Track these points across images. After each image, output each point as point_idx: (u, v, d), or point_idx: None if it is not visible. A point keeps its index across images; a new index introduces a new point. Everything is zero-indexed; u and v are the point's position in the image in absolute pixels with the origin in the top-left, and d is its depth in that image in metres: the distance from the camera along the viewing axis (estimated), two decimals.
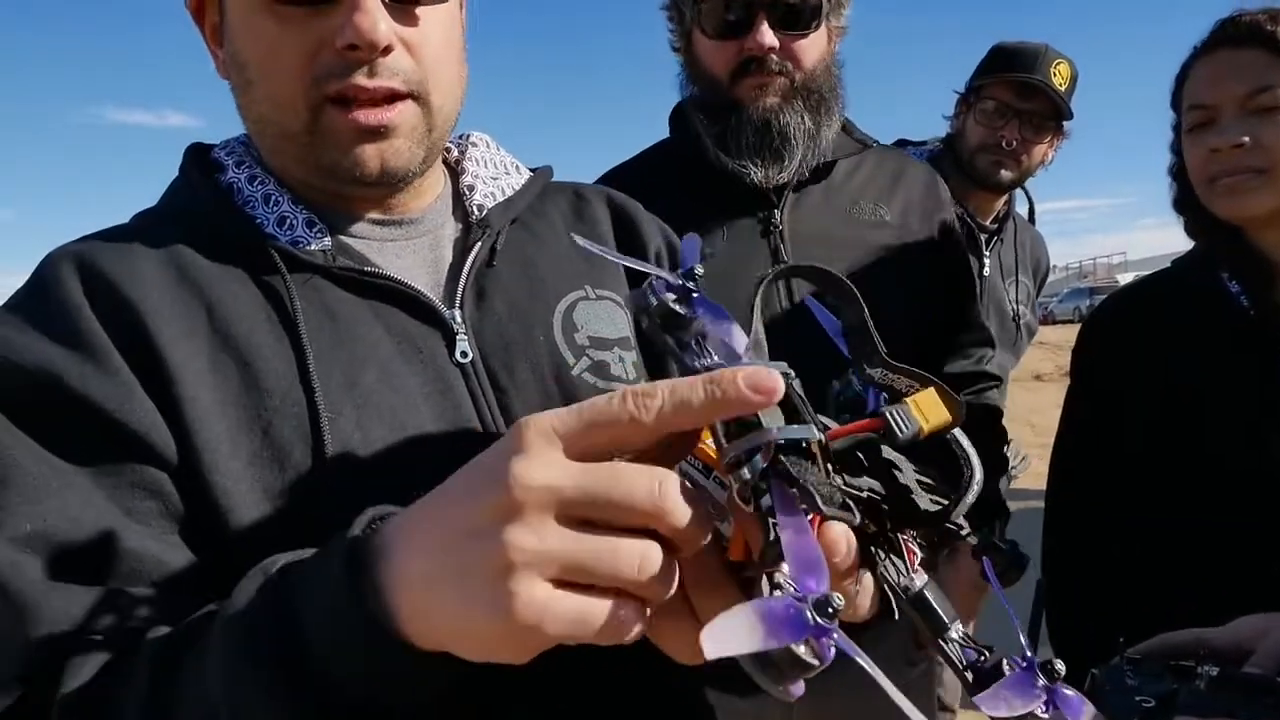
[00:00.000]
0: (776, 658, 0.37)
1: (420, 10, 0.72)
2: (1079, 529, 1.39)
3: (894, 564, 0.48)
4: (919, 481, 0.48)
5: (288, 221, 0.73)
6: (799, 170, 1.45)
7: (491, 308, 0.77)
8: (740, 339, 0.47)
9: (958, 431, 0.48)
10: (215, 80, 0.77)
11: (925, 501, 0.47)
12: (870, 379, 0.51)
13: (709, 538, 0.45)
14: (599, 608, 0.42)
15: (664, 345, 0.49)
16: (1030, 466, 2.49)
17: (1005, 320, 2.24)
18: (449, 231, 0.82)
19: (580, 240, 0.56)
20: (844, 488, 0.44)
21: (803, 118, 1.43)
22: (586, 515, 0.42)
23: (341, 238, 0.76)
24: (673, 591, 0.44)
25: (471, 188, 0.84)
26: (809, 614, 0.36)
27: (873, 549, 0.48)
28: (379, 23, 0.67)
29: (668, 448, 0.46)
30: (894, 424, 0.46)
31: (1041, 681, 0.43)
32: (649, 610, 0.44)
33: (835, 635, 0.37)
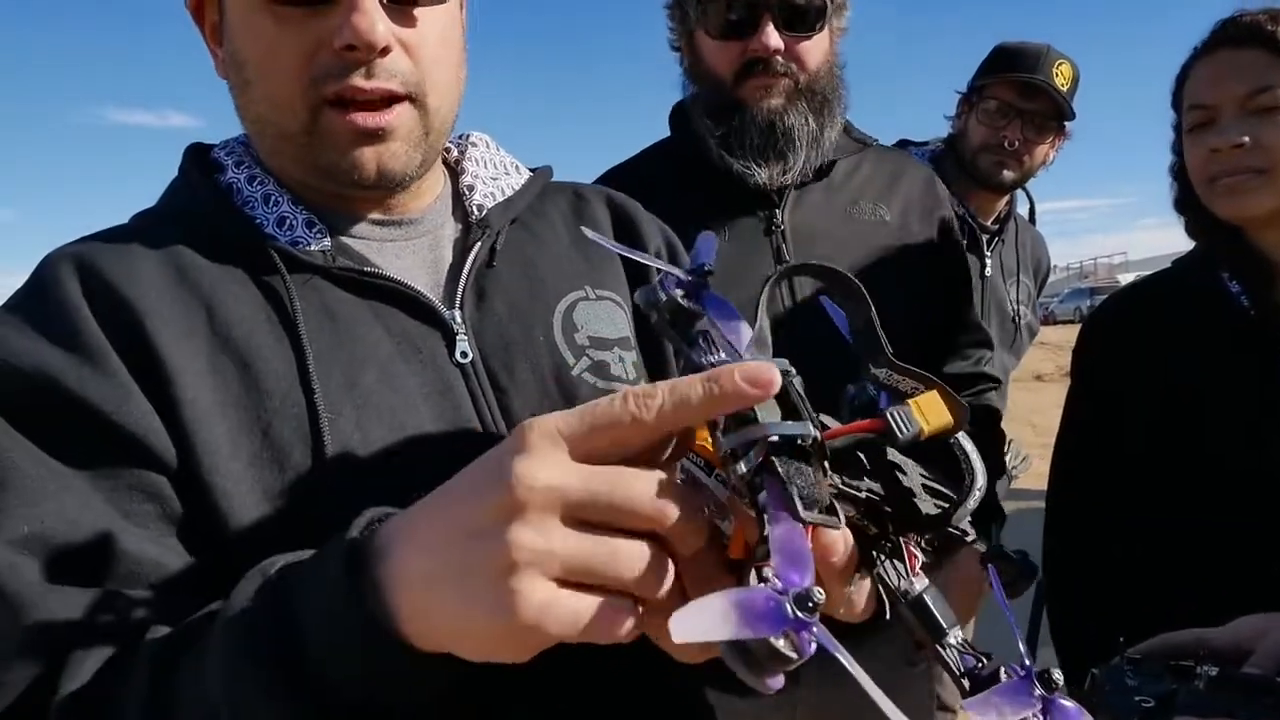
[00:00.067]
0: (753, 649, 0.37)
1: (419, 11, 0.72)
2: (1080, 529, 1.39)
3: (894, 567, 0.48)
4: (924, 485, 0.48)
5: (287, 222, 0.73)
6: (803, 171, 1.45)
7: (491, 308, 0.77)
8: (745, 336, 0.47)
9: (961, 435, 0.48)
10: (216, 80, 0.76)
11: (928, 505, 0.47)
12: (875, 379, 0.51)
13: (706, 538, 0.45)
14: (599, 607, 0.43)
15: (672, 340, 0.49)
16: (1031, 467, 2.49)
17: (1006, 320, 2.24)
18: (449, 232, 0.82)
19: (590, 233, 0.56)
20: (842, 487, 0.44)
21: (806, 119, 1.43)
22: (588, 517, 0.43)
23: (341, 238, 0.76)
24: (667, 589, 0.44)
25: (471, 188, 0.84)
26: (788, 607, 0.36)
27: (873, 551, 0.48)
28: (376, 24, 0.67)
29: (666, 446, 0.47)
30: (894, 425, 0.46)
31: (1038, 691, 0.42)
32: (643, 609, 0.44)
33: (815, 630, 0.37)
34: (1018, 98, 2.07)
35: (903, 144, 2.27)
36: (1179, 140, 1.31)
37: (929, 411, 0.46)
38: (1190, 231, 1.35)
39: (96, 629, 0.57)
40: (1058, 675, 0.43)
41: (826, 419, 0.49)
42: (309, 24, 0.68)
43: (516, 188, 0.87)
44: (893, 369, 0.50)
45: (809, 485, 0.42)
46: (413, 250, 0.79)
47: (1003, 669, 0.45)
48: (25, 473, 0.60)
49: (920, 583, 0.47)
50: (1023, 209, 2.38)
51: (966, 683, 0.45)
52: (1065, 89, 2.06)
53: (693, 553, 0.45)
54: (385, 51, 0.69)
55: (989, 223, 2.21)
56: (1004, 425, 2.20)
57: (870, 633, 0.58)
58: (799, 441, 0.42)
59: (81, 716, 0.53)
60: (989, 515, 1.71)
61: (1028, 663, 0.44)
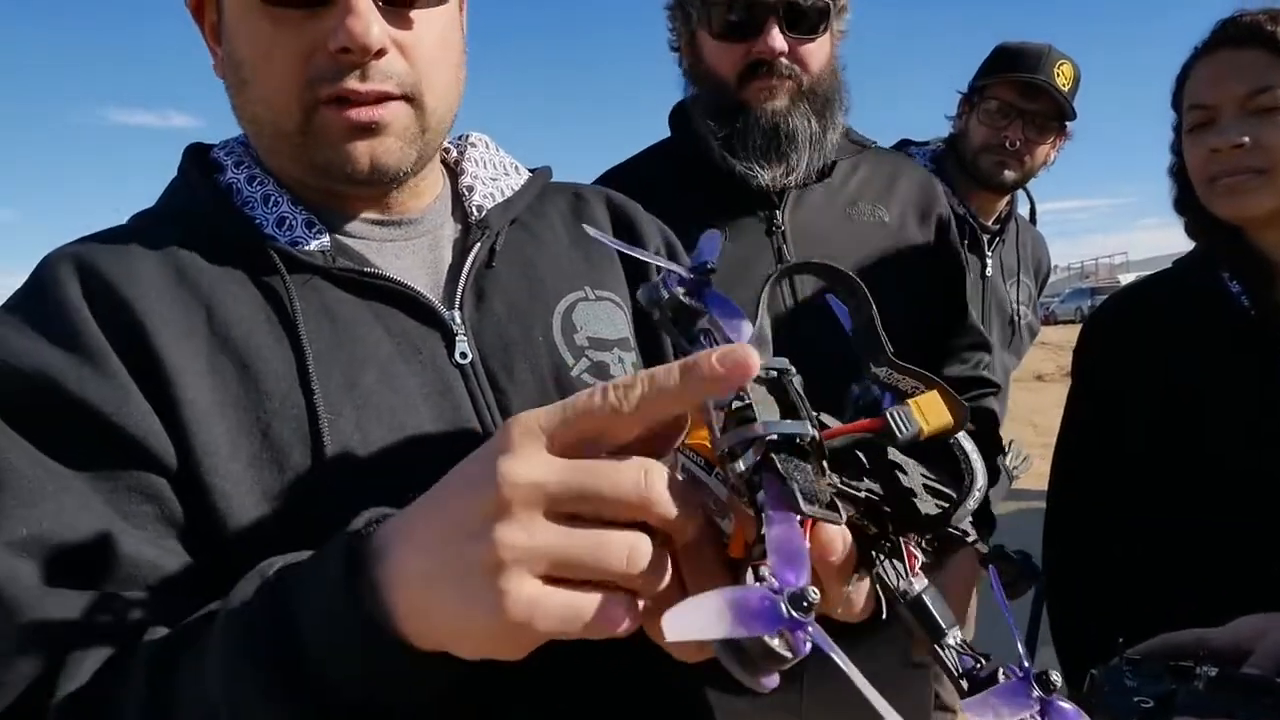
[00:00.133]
0: (748, 647, 0.37)
1: (415, 13, 0.72)
2: (1081, 529, 1.39)
3: (893, 567, 0.48)
4: (925, 485, 0.48)
5: (287, 222, 0.74)
6: (805, 173, 1.46)
7: (491, 308, 0.77)
8: (746, 333, 0.47)
9: (961, 435, 0.48)
10: (217, 80, 0.77)
11: (928, 505, 0.47)
12: (876, 378, 0.51)
13: (700, 527, 0.45)
14: (589, 602, 0.43)
15: (673, 338, 0.49)
16: (1032, 467, 2.49)
17: (1006, 321, 2.24)
18: (448, 232, 0.82)
19: (592, 231, 0.56)
20: (840, 487, 0.44)
21: (809, 120, 1.43)
22: (575, 510, 0.43)
23: (340, 238, 0.76)
24: (666, 582, 0.44)
25: (471, 188, 0.84)
26: (783, 606, 0.36)
27: (873, 551, 0.48)
28: (371, 26, 0.67)
29: (665, 439, 0.47)
30: (894, 425, 0.46)
31: (1036, 692, 0.42)
32: (641, 603, 0.44)
33: (810, 629, 0.37)
34: (1019, 98, 2.07)
35: (903, 144, 2.27)
36: (1179, 140, 1.31)
37: (929, 411, 0.46)
38: (1190, 232, 1.35)
39: (94, 630, 0.57)
40: (1056, 676, 0.42)
41: (826, 418, 0.49)
42: (305, 26, 0.68)
43: (516, 188, 0.87)
44: (893, 368, 0.50)
45: (808, 483, 0.42)
46: (412, 250, 0.79)
47: (1001, 670, 0.45)
48: (24, 474, 0.60)
49: (919, 583, 0.47)
50: (1023, 209, 2.38)
51: (965, 683, 0.45)
52: (1066, 89, 2.06)
53: (686, 541, 0.45)
54: (380, 54, 0.69)
55: (990, 223, 2.21)
56: (1005, 425, 2.19)
57: (869, 632, 0.58)
58: (798, 440, 0.42)
59: (80, 717, 0.53)
60: (982, 522, 1.71)
61: (1026, 664, 0.43)
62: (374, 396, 0.69)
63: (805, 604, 0.37)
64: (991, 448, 1.80)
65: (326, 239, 0.74)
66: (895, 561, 0.48)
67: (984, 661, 0.46)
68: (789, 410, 0.44)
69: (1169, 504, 1.26)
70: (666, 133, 1.63)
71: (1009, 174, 2.11)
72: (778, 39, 1.38)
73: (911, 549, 0.48)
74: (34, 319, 0.65)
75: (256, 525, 0.64)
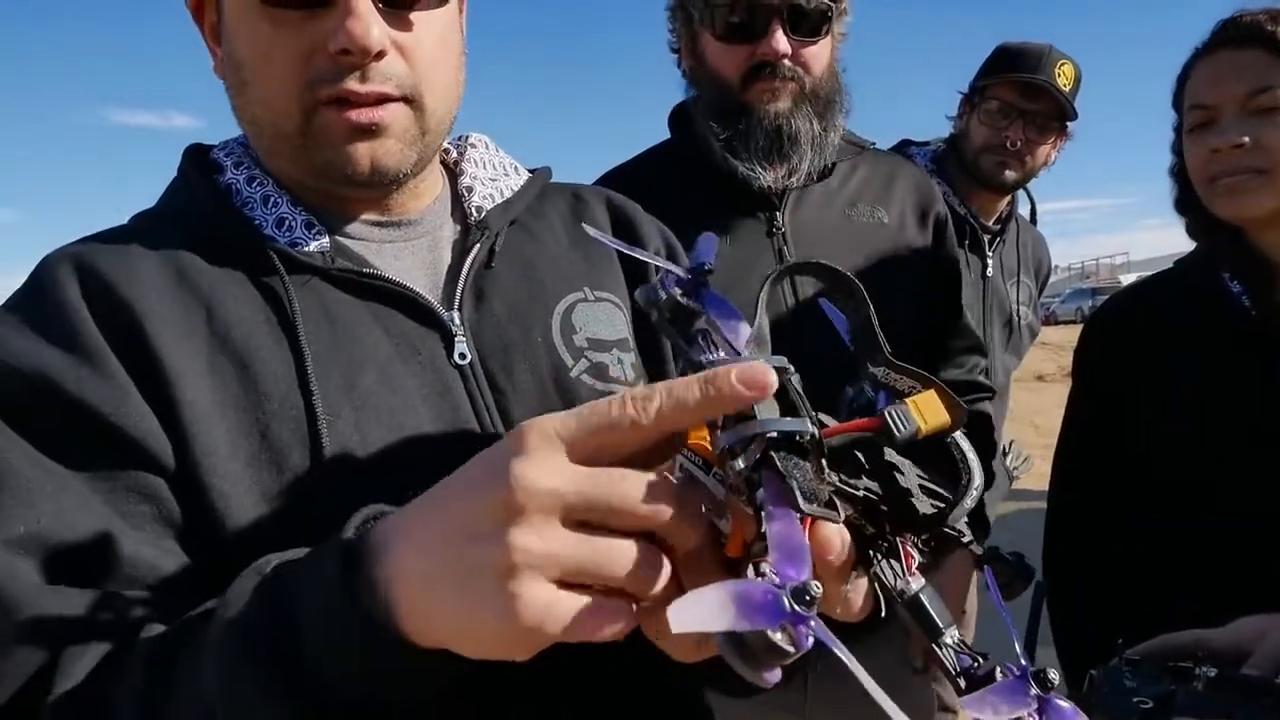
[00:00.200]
0: (750, 642, 0.37)
1: (415, 15, 0.72)
2: (1082, 529, 1.39)
3: (891, 566, 0.48)
4: (922, 485, 0.48)
5: (286, 223, 0.74)
6: (807, 174, 1.46)
7: (490, 309, 0.77)
8: (744, 334, 0.47)
9: (958, 435, 0.48)
10: (218, 81, 0.77)
11: (925, 505, 0.47)
12: (873, 378, 0.51)
13: (702, 535, 0.45)
14: (598, 608, 0.43)
15: (671, 339, 0.49)
16: (1033, 467, 2.49)
17: (1007, 321, 2.24)
18: (447, 233, 0.82)
19: (591, 230, 0.56)
20: (839, 486, 0.45)
21: (811, 122, 1.44)
22: (586, 519, 0.43)
23: (340, 239, 0.76)
24: (663, 585, 0.45)
25: (470, 189, 0.84)
26: (786, 600, 0.37)
27: (870, 551, 0.48)
28: (371, 28, 0.67)
29: (664, 445, 0.47)
30: (892, 424, 0.46)
31: (1034, 691, 0.42)
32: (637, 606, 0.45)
33: (813, 623, 0.37)
34: (1020, 98, 2.07)
35: (904, 144, 2.27)
36: (1179, 141, 1.31)
37: (926, 411, 0.46)
38: (1191, 232, 1.35)
39: (92, 628, 0.57)
40: (1054, 675, 0.42)
41: (825, 418, 0.49)
42: (305, 27, 0.68)
43: (515, 189, 0.87)
44: (890, 368, 0.50)
45: (807, 481, 0.42)
46: (411, 251, 0.79)
47: (999, 669, 0.45)
48: (22, 474, 0.60)
49: (917, 582, 0.47)
50: (1024, 209, 2.38)
51: (962, 682, 0.45)
52: (1067, 89, 2.06)
53: (687, 549, 0.46)
54: (380, 55, 0.69)
55: (990, 223, 2.21)
56: (1006, 425, 2.19)
57: (867, 632, 0.58)
58: (797, 438, 0.42)
59: (76, 714, 0.53)
60: (976, 526, 1.71)
61: (1023, 662, 0.44)
62: (373, 397, 0.69)
63: (808, 598, 0.37)
64: (987, 451, 1.80)
65: (326, 240, 0.74)
66: (892, 561, 0.48)
67: (981, 660, 0.46)
68: (789, 409, 0.44)
69: (1170, 504, 1.26)
70: (666, 133, 1.64)
71: (1010, 174, 2.11)
72: (781, 41, 1.38)
73: (908, 549, 0.48)
74: (33, 319, 0.65)
75: (255, 526, 0.64)
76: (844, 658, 0.37)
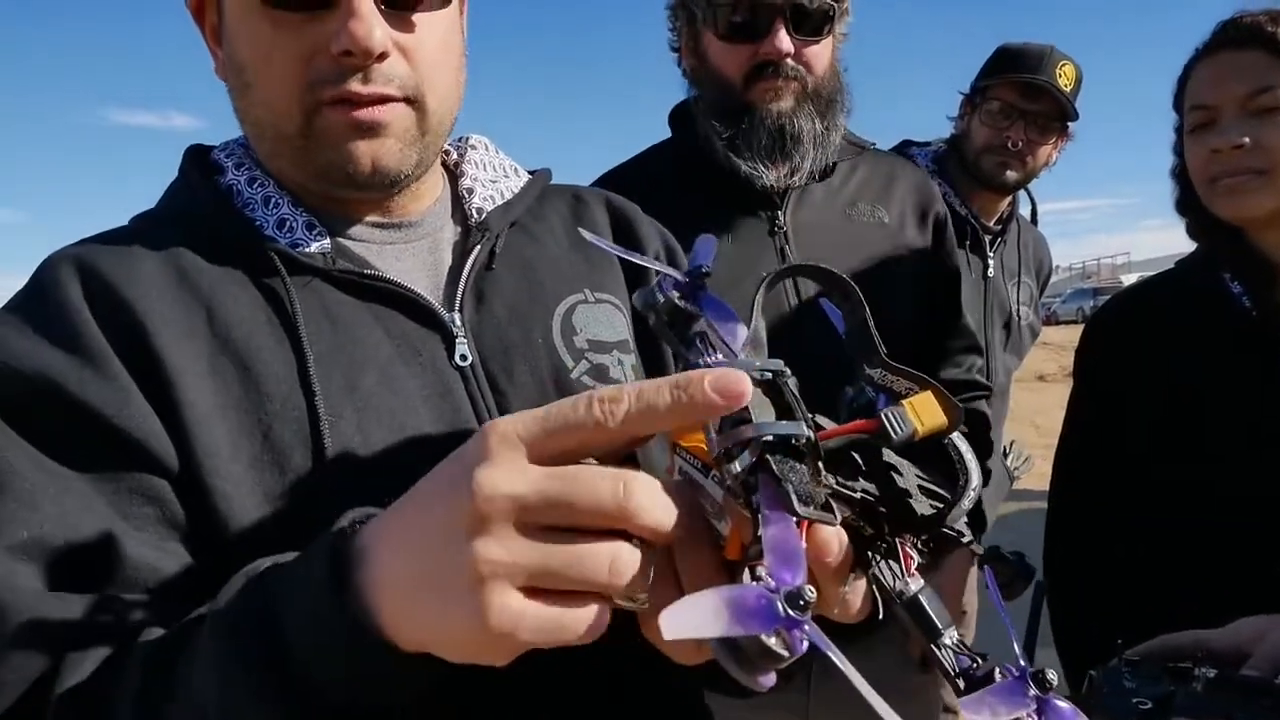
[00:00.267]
0: (745, 646, 0.37)
1: (417, 16, 0.72)
2: (1082, 529, 1.39)
3: (889, 568, 0.48)
4: (920, 486, 0.48)
5: (287, 224, 0.74)
6: (808, 174, 1.46)
7: (491, 311, 0.77)
8: (741, 336, 0.47)
9: (956, 435, 0.48)
10: (218, 81, 0.77)
11: (923, 505, 0.47)
12: (869, 379, 0.51)
13: (682, 534, 0.44)
14: (571, 613, 0.42)
15: (669, 342, 0.49)
16: (1034, 467, 2.49)
17: (1008, 321, 2.24)
18: (448, 234, 0.82)
19: (588, 235, 0.56)
20: (836, 488, 0.45)
21: (814, 121, 1.44)
22: (552, 521, 0.42)
23: (341, 240, 0.76)
24: (644, 582, 0.44)
25: (471, 190, 0.84)
26: (780, 605, 0.36)
27: (869, 552, 0.48)
28: (374, 29, 0.67)
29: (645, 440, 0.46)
30: (889, 425, 0.46)
31: (1033, 691, 0.42)
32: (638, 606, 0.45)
33: (807, 628, 0.37)
34: (1021, 99, 2.07)
35: (905, 144, 2.27)
36: (1180, 141, 1.31)
37: (923, 412, 0.46)
38: (1192, 233, 1.35)
39: (93, 633, 0.57)
40: (1052, 675, 0.42)
41: (822, 420, 0.49)
42: (306, 29, 0.68)
43: (516, 190, 0.87)
44: (887, 370, 0.50)
45: (803, 484, 0.42)
46: (412, 253, 0.79)
47: (997, 669, 0.45)
48: (25, 476, 0.60)
49: (915, 583, 0.47)
50: (1025, 210, 2.38)
51: (961, 683, 0.45)
52: (1068, 90, 2.06)
53: (665, 543, 0.45)
54: (383, 57, 0.69)
55: (991, 223, 2.21)
56: (1007, 426, 2.19)
57: (866, 633, 0.58)
58: (793, 441, 0.42)
59: (77, 717, 0.53)
60: (974, 523, 1.71)
61: (1022, 662, 0.44)
62: (374, 398, 0.69)
63: (802, 602, 0.37)
64: (984, 450, 1.80)
65: (327, 241, 0.74)
66: (891, 562, 0.48)
67: (980, 661, 0.46)
68: (784, 412, 0.44)
69: (1170, 504, 1.26)
70: (666, 132, 1.64)
71: (1011, 175, 2.11)
72: (785, 40, 1.39)
73: (907, 549, 0.48)
74: (35, 321, 0.65)
75: (257, 527, 0.64)
76: (838, 661, 0.37)
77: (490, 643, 0.42)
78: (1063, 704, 0.43)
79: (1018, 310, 2.25)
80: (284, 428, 0.66)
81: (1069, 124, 2.14)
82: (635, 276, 0.88)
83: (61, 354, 0.63)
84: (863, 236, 1.53)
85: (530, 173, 0.92)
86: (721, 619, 0.36)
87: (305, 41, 0.68)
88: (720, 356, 0.46)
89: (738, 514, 0.44)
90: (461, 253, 0.80)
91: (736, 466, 0.42)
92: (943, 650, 0.46)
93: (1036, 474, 2.33)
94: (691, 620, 0.36)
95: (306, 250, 0.73)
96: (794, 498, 0.40)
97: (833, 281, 0.52)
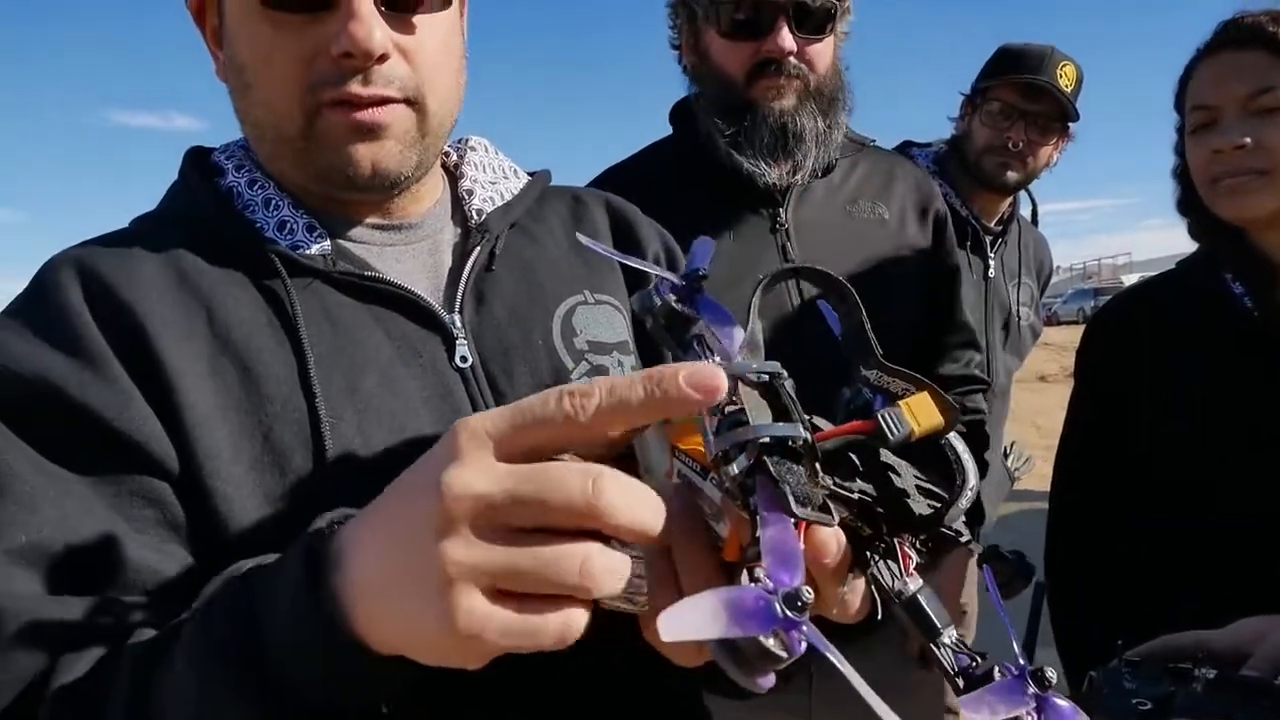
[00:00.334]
0: (743, 647, 0.37)
1: (418, 18, 0.72)
2: (1083, 530, 1.39)
3: (888, 568, 0.48)
4: (918, 486, 0.48)
5: (288, 226, 0.74)
6: (811, 171, 1.46)
7: (491, 312, 0.78)
8: (738, 339, 0.47)
9: (952, 435, 0.48)
10: (219, 82, 0.77)
11: (921, 505, 0.47)
12: (865, 380, 0.51)
13: (661, 529, 0.43)
14: (544, 617, 0.41)
15: (667, 345, 0.49)
16: (1035, 468, 2.49)
17: (1009, 322, 2.24)
18: (448, 236, 0.82)
19: (585, 240, 0.56)
20: (833, 489, 0.45)
21: (816, 119, 1.44)
22: (525, 521, 0.41)
23: (341, 242, 0.76)
24: (622, 587, 0.43)
25: (470, 192, 0.84)
26: (778, 606, 0.36)
27: (867, 552, 0.48)
28: (374, 31, 0.67)
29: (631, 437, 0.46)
30: (885, 426, 0.46)
31: (1031, 689, 0.42)
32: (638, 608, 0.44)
33: (805, 628, 0.37)
34: (1021, 99, 2.07)
35: (906, 145, 2.27)
36: (1182, 142, 1.31)
37: (920, 412, 0.46)
38: (1193, 233, 1.35)
39: (90, 635, 0.57)
40: (1051, 673, 0.42)
41: (820, 421, 0.49)
42: (306, 30, 0.68)
43: (515, 192, 0.87)
44: (883, 371, 0.50)
45: (801, 485, 0.42)
46: (412, 254, 0.79)
47: (997, 668, 0.45)
48: (25, 479, 0.60)
49: (914, 583, 0.47)
50: (1025, 210, 2.38)
51: (960, 682, 0.45)
52: (1069, 90, 2.06)
53: (646, 542, 0.43)
54: (383, 59, 0.69)
55: (992, 224, 2.21)
56: (1008, 426, 2.19)
57: (865, 633, 0.58)
58: (790, 443, 0.42)
59: (71, 715, 0.53)
60: (972, 516, 1.71)
61: (1021, 661, 0.44)
62: (375, 400, 0.69)
63: (800, 604, 0.37)
64: (981, 444, 1.80)
65: (327, 243, 0.74)
66: (890, 562, 0.48)
67: (980, 660, 0.46)
68: (781, 414, 0.44)
69: (1171, 505, 1.26)
70: (667, 131, 1.63)
71: (1012, 175, 2.11)
72: (787, 38, 1.39)
73: (906, 549, 0.48)
74: (35, 324, 0.65)
75: (258, 529, 0.64)
76: (836, 662, 0.37)
77: (459, 646, 0.41)
78: (1062, 702, 0.43)
79: (1018, 311, 2.25)
80: (284, 429, 0.66)
81: (1070, 125, 2.14)
82: (635, 278, 0.88)
83: (62, 357, 0.63)
84: (863, 233, 1.54)
85: (530, 174, 0.92)
86: (720, 620, 0.36)
87: (306, 43, 0.68)
88: (717, 359, 0.46)
89: (736, 516, 0.44)
90: (461, 254, 0.80)
91: (734, 468, 0.42)
92: (942, 649, 0.46)
93: (1037, 474, 2.33)
94: (690, 622, 0.36)
95: (307, 252, 0.73)
96: (791, 499, 0.40)
97: (829, 283, 0.53)
